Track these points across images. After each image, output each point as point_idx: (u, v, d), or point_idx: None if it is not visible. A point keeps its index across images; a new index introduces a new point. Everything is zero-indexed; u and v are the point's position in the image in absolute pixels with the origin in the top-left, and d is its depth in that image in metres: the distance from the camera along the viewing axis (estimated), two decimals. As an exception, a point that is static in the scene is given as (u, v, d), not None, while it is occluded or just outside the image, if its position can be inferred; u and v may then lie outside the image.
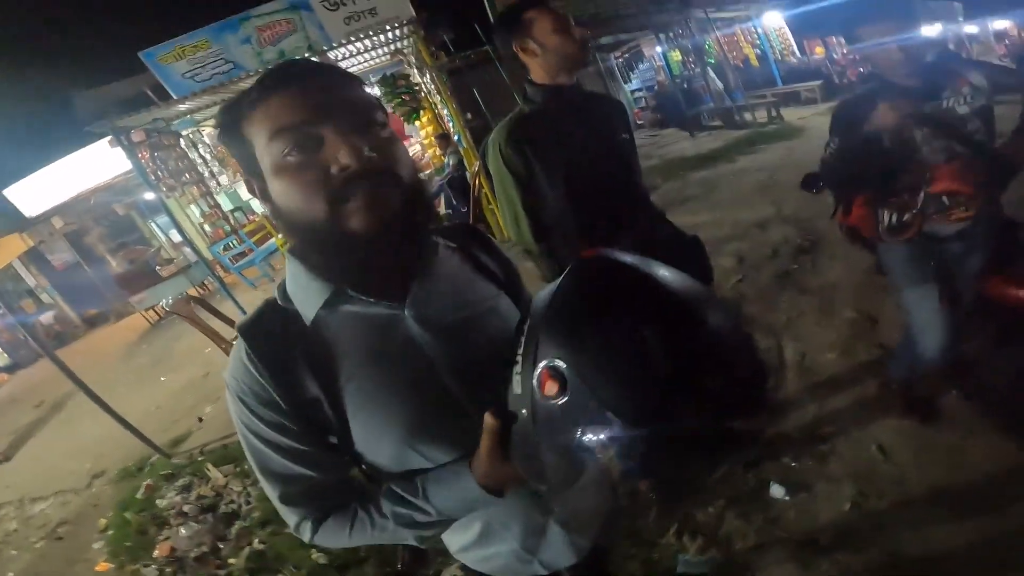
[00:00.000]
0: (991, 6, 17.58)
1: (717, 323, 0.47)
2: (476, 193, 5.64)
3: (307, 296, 0.64)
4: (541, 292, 0.56)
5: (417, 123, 8.24)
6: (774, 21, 14.10)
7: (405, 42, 7.39)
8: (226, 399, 0.66)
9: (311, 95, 0.56)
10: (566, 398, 0.45)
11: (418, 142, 8.68)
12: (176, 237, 10.16)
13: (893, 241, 1.71)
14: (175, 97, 6.47)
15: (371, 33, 6.32)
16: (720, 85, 11.25)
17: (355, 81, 0.61)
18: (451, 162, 6.51)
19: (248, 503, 2.79)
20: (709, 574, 1.66)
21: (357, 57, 7.52)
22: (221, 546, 2.56)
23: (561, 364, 0.46)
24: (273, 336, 0.63)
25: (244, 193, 9.53)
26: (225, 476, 3.05)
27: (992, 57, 16.51)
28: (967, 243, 1.65)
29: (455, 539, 0.81)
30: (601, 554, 0.97)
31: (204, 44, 6.59)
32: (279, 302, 0.66)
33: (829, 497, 1.81)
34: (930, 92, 1.54)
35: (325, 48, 6.34)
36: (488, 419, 0.57)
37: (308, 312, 0.63)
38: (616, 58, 14.23)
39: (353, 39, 6.46)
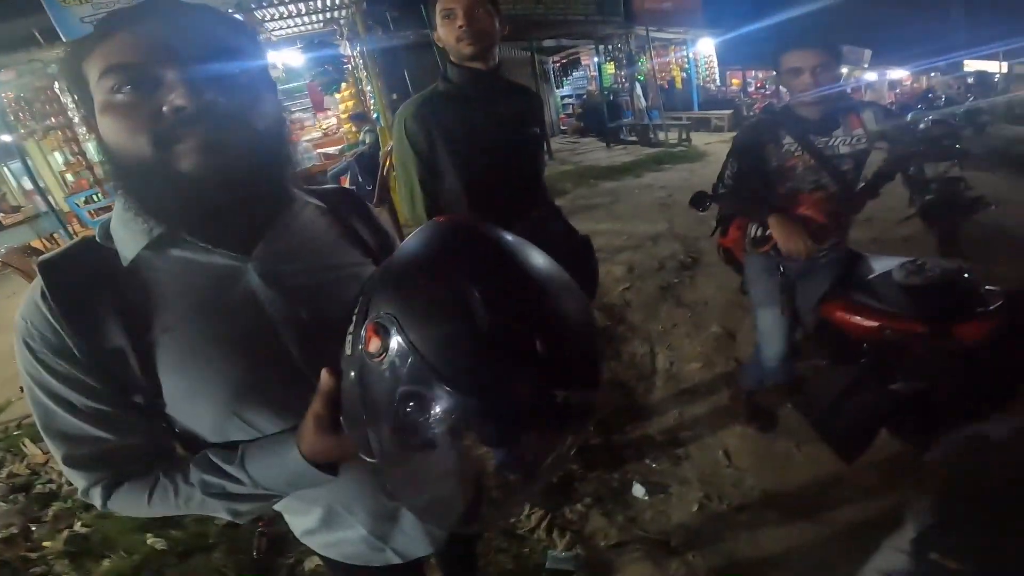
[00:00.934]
0: (896, 56, 20.02)
1: (556, 296, 0.47)
2: (384, 173, 5.44)
3: (129, 234, 0.57)
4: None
5: (337, 96, 7.81)
6: (706, 48, 14.97)
7: (343, 12, 6.99)
8: (15, 343, 0.57)
9: (157, 33, 0.51)
10: (387, 354, 0.44)
11: (335, 115, 8.23)
12: (28, 184, 8.83)
13: (753, 252, 1.86)
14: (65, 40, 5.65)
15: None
16: (643, 102, 11.78)
17: (223, 23, 0.57)
18: (367, 140, 6.29)
19: (71, 484, 2.43)
20: (575, 570, 1.71)
21: (288, 20, 7.03)
22: (34, 528, 2.27)
23: (386, 320, 0.44)
24: (79, 275, 0.57)
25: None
26: (45, 453, 2.70)
27: (883, 100, 18.88)
28: (811, 267, 1.80)
29: (297, 522, 0.77)
30: (467, 545, 0.95)
31: (110, -11, 5.84)
32: (97, 239, 0.60)
33: (681, 498, 1.93)
34: (824, 127, 1.67)
35: (253, 5, 5.82)
36: (324, 378, 0.54)
37: (127, 252, 0.57)
38: (554, 62, 14.40)
39: (281, 2, 6.02)
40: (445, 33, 1.42)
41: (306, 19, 7.15)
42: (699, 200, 1.95)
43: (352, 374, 0.49)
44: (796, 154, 1.68)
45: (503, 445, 0.46)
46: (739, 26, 14.04)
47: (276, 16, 6.66)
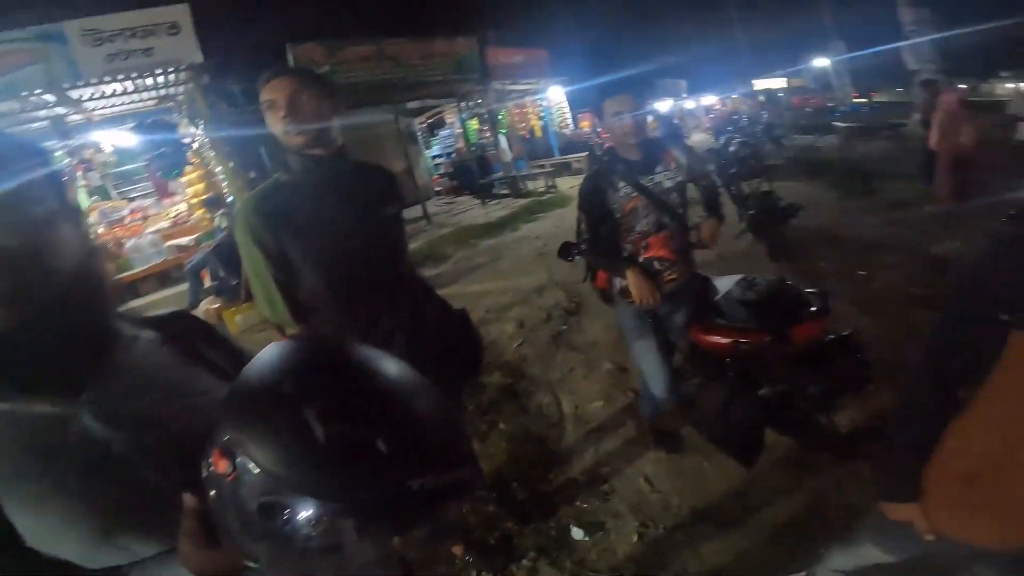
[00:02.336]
0: (706, 84, 23.42)
1: (396, 396, 0.52)
2: None
3: None
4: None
5: (184, 180, 7.14)
6: (557, 95, 15.88)
7: (179, 88, 6.60)
8: None
9: None
10: (236, 473, 0.47)
11: (184, 200, 7.45)
12: None
13: (623, 303, 1.94)
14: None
15: (136, 75, 5.53)
16: (510, 155, 12.25)
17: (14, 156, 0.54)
18: (222, 226, 5.65)
19: None
20: None
21: (111, 99, 6.45)
22: None
23: (230, 443, 0.48)
24: None
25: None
26: None
27: (702, 127, 21.82)
28: (674, 301, 1.95)
29: None
30: None
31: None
32: None
33: (619, 532, 1.96)
34: (647, 166, 1.83)
35: (66, 85, 5.35)
36: (188, 499, 0.55)
37: None
38: (420, 124, 14.65)
39: (109, 79, 5.58)
40: (272, 124, 1.35)
41: (136, 96, 6.64)
42: (566, 251, 2.05)
43: (213, 493, 0.50)
44: (632, 196, 1.84)
45: (373, 535, 0.47)
46: (583, 74, 15.41)
47: (95, 96, 6.11)
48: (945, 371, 0.94)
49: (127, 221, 7.22)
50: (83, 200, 6.86)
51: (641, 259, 1.87)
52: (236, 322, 5.06)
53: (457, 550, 1.83)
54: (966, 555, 1.01)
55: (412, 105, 12.27)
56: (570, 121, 16.88)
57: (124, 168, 7.73)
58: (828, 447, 1.95)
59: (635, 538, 1.91)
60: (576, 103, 16.62)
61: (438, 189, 13.54)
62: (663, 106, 18.74)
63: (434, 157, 15.01)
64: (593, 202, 1.88)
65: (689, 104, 23.12)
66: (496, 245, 6.94)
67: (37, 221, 0.54)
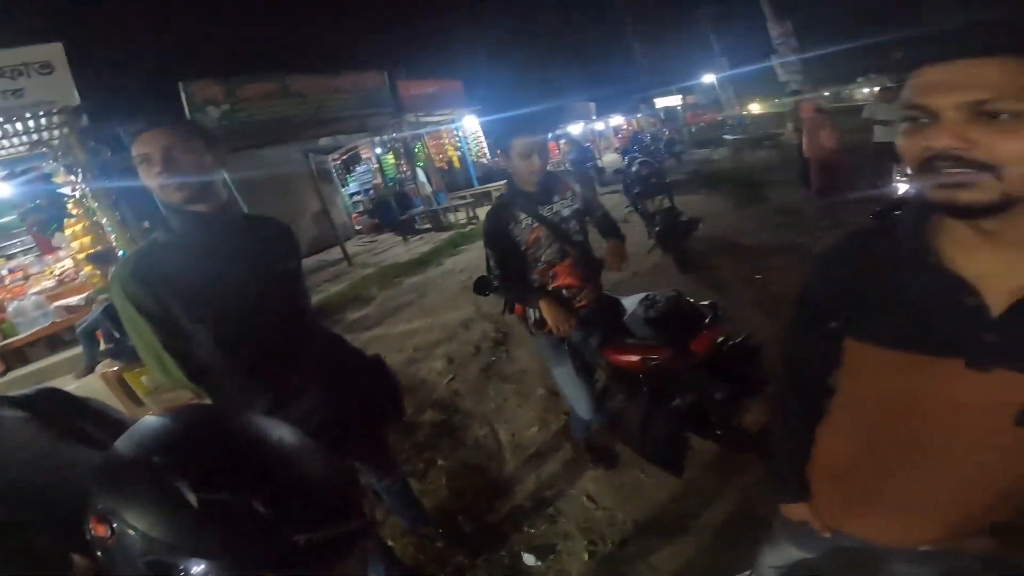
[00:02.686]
0: (611, 106, 24.71)
1: (272, 456, 0.54)
2: None
3: None
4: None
5: (68, 233, 6.45)
6: (472, 125, 15.77)
7: (53, 132, 5.92)
8: None
9: None
10: (116, 537, 0.49)
11: (69, 256, 6.71)
12: None
13: (540, 334, 1.99)
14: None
15: (4, 119, 4.95)
16: (429, 188, 12.12)
17: None
18: None
19: None
20: None
21: None
22: None
23: (104, 510, 0.50)
24: None
25: None
26: None
27: (612, 148, 22.94)
28: (587, 325, 2.02)
29: None
30: None
31: None
32: None
33: (571, 553, 1.97)
34: (546, 197, 1.89)
35: None
36: (76, 561, 0.60)
37: None
38: (334, 160, 14.06)
39: None
40: (147, 180, 1.26)
41: (4, 142, 5.90)
42: (481, 286, 2.07)
43: (99, 554, 0.52)
44: (534, 227, 1.89)
45: None
46: (497, 103, 15.56)
47: None
48: (799, 379, 0.99)
49: (7, 282, 6.52)
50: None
51: (550, 288, 1.93)
52: (143, 383, 4.59)
53: None
54: (874, 550, 1.05)
55: (324, 142, 11.72)
56: (487, 150, 16.69)
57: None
58: (745, 448, 2.06)
59: (586, 556, 1.93)
60: (491, 132, 16.94)
61: (358, 228, 13.00)
62: (575, 129, 19.30)
63: (352, 195, 14.39)
64: (497, 237, 1.92)
65: (599, 126, 24.28)
66: (421, 282, 6.87)
67: None
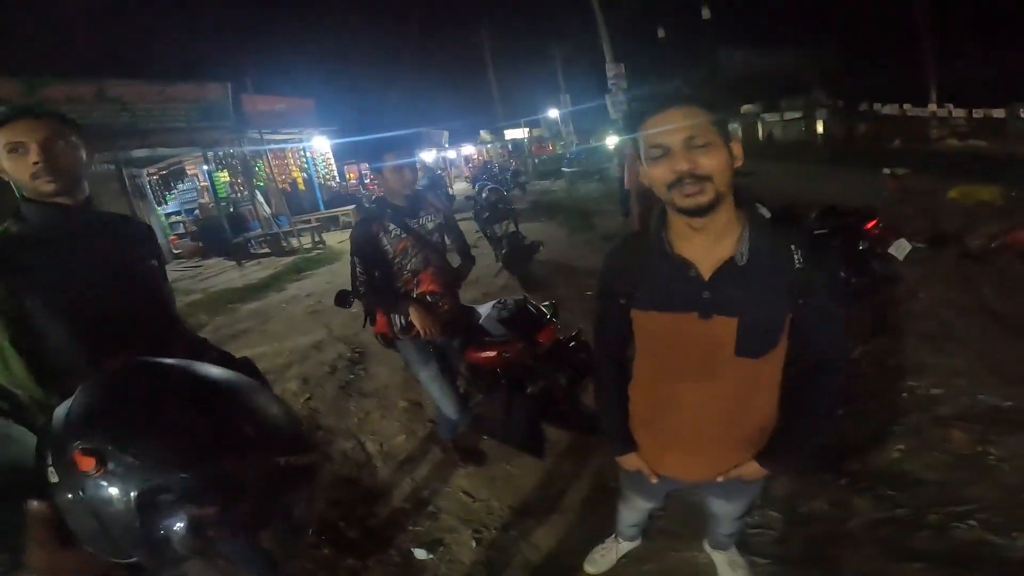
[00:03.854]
0: (465, 135, 25.53)
1: (249, 394, 0.61)
2: None
3: None
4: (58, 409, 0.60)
5: None
6: (322, 146, 15.10)
7: None
8: None
9: None
10: (107, 468, 0.52)
11: None
12: None
13: (405, 338, 2.14)
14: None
15: None
16: (268, 210, 11.26)
17: None
18: None
19: None
20: None
21: None
22: None
23: (96, 444, 0.52)
24: None
25: None
26: None
27: (462, 175, 23.52)
28: (449, 330, 2.22)
29: None
30: None
31: None
32: None
33: (459, 543, 2.10)
34: (413, 211, 2.07)
35: None
36: (34, 507, 0.58)
37: None
38: (150, 175, 12.17)
39: None
40: (14, 169, 1.24)
41: None
42: (342, 299, 2.19)
43: (71, 495, 0.54)
44: (402, 237, 2.05)
45: (250, 509, 0.56)
46: (350, 125, 15.23)
47: None
48: (606, 346, 1.24)
49: None
50: None
51: (415, 294, 2.10)
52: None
53: None
54: (694, 487, 1.30)
55: (139, 154, 10.31)
56: (335, 173, 16.31)
57: None
58: (589, 428, 2.40)
59: (474, 544, 2.08)
60: (342, 154, 16.28)
61: (177, 251, 11.33)
62: (428, 156, 19.43)
63: (169, 214, 12.51)
64: (367, 245, 2.06)
65: (451, 154, 24.86)
66: (261, 307, 6.41)
67: None
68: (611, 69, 12.56)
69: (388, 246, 2.07)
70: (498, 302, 2.36)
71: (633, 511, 1.61)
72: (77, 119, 1.39)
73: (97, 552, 0.57)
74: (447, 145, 24.43)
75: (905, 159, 9.12)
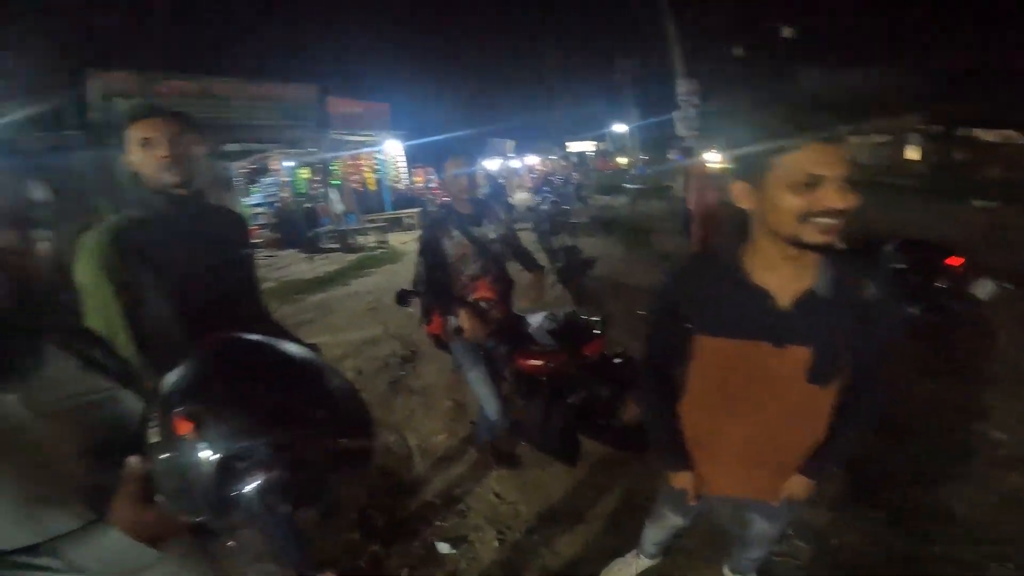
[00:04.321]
0: (530, 145, 25.65)
1: (326, 379, 0.67)
2: None
3: None
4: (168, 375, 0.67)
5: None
6: (393, 149, 15.58)
7: None
8: None
9: None
10: (202, 432, 0.58)
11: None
12: None
13: (457, 340, 2.24)
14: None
15: None
16: (340, 207, 11.86)
17: None
18: None
19: None
20: None
21: None
22: None
23: (195, 409, 0.59)
24: None
25: None
26: None
27: (524, 186, 23.65)
28: (499, 336, 2.31)
29: None
30: None
31: None
32: None
33: (482, 542, 2.17)
34: (476, 219, 2.16)
35: None
36: (133, 462, 0.64)
37: None
38: (240, 169, 13.17)
39: None
40: (143, 161, 1.38)
41: None
42: (403, 298, 2.34)
43: (166, 453, 0.61)
44: (463, 244, 2.13)
45: (311, 482, 0.62)
46: (421, 130, 15.44)
47: None
48: (659, 365, 1.23)
49: None
50: None
51: (470, 299, 2.19)
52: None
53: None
54: (737, 507, 1.33)
55: (231, 148, 11.17)
56: (405, 175, 16.77)
57: None
58: (625, 443, 2.43)
59: (496, 544, 2.14)
60: (412, 158, 16.69)
61: (256, 241, 12.33)
62: (492, 165, 19.60)
63: (252, 206, 13.23)
64: (431, 248, 2.17)
65: (515, 164, 25.07)
66: (325, 300, 6.74)
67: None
68: (682, 85, 12.19)
69: (449, 251, 2.16)
70: (549, 313, 2.43)
71: (662, 529, 1.62)
72: (180, 110, 1.54)
73: (173, 507, 0.64)
74: (512, 155, 24.65)
75: (1002, 191, 8.40)
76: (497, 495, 2.44)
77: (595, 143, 26.49)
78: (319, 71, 13.03)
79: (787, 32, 17.49)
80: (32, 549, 0.66)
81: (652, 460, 1.52)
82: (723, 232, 5.96)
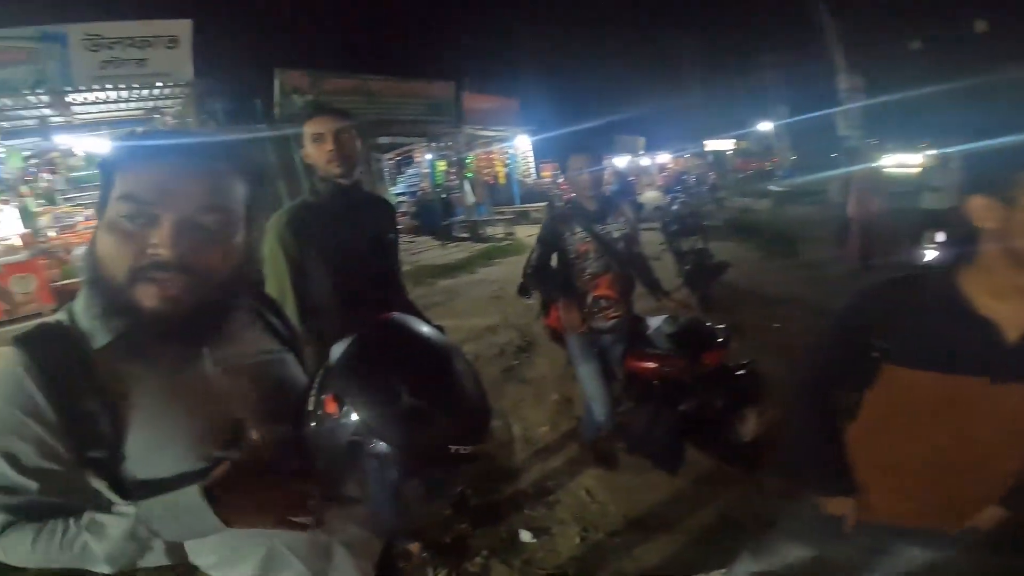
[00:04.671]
0: (662, 143, 24.56)
1: (463, 371, 0.70)
2: None
3: (99, 325, 0.67)
4: (336, 345, 0.72)
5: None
6: (523, 144, 16.08)
7: (171, 102, 6.74)
8: None
9: (171, 178, 0.64)
10: (341, 414, 0.62)
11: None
12: None
13: (573, 335, 2.27)
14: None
15: (131, 85, 5.76)
16: (472, 199, 12.47)
17: (224, 170, 0.69)
18: None
19: None
20: None
21: (101, 106, 6.61)
22: None
23: (341, 393, 0.63)
24: (56, 352, 0.66)
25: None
26: None
27: (654, 185, 22.50)
28: (615, 336, 2.30)
29: (233, 572, 0.80)
30: None
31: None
32: (64, 322, 0.69)
33: (564, 535, 2.19)
34: (602, 216, 2.16)
35: (67, 88, 5.56)
36: (283, 431, 0.70)
37: (99, 338, 0.67)
38: (388, 160, 14.58)
39: (98, 86, 5.74)
40: (315, 152, 1.59)
41: (122, 106, 6.70)
42: (524, 289, 2.41)
43: (313, 425, 0.67)
44: (586, 240, 2.15)
45: (413, 478, 0.65)
46: (550, 125, 15.61)
47: (86, 100, 6.22)
48: (822, 387, 1.13)
49: (80, 227, 7.18)
50: (31, 205, 6.79)
51: (590, 297, 2.18)
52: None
53: (414, 547, 2.08)
54: (889, 536, 1.18)
55: (382, 141, 12.47)
56: (533, 170, 17.12)
57: (84, 174, 7.55)
58: (735, 459, 2.32)
59: (577, 541, 2.15)
60: (540, 153, 16.96)
61: (398, 227, 13.44)
62: (621, 162, 19.00)
63: (397, 194, 14.73)
64: (550, 239, 2.21)
65: (645, 161, 24.23)
66: (453, 285, 7.15)
67: (216, 231, 0.69)
68: (844, 80, 10.92)
69: (570, 245, 2.18)
70: (670, 316, 2.36)
71: (775, 558, 1.49)
72: (345, 108, 1.76)
73: (300, 476, 0.70)
74: (642, 152, 23.82)
75: None
76: (588, 493, 2.44)
77: (734, 142, 24.44)
78: (457, 68, 13.67)
79: (981, 27, 14.34)
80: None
81: (787, 482, 1.36)
82: (885, 244, 5.34)
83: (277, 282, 1.64)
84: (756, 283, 5.75)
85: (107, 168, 0.67)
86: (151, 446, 0.69)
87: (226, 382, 0.76)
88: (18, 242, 6.12)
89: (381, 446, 0.61)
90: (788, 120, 19.92)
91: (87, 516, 0.67)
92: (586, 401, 2.43)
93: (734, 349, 2.26)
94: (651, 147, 24.14)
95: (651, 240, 8.30)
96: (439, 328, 1.93)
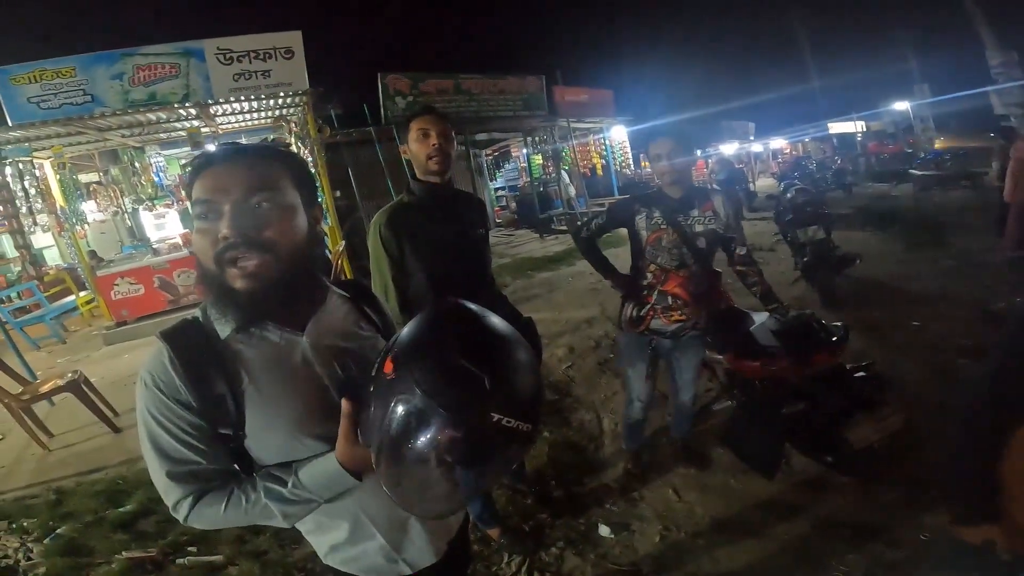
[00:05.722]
0: (776, 127, 22.61)
1: (503, 349, 0.70)
2: (336, 270, 5.56)
3: (223, 319, 0.80)
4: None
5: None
6: (619, 135, 15.89)
7: (292, 110, 7.37)
8: (137, 388, 0.79)
9: (222, 177, 0.74)
10: (394, 373, 0.66)
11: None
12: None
13: (631, 331, 2.12)
14: (10, 122, 5.79)
15: (260, 96, 6.31)
16: (571, 191, 12.42)
17: (265, 164, 0.78)
18: None
19: (29, 559, 2.50)
20: None
21: (237, 116, 7.38)
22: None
23: (399, 354, 0.67)
24: (193, 345, 0.78)
25: (40, 240, 8.33)
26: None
27: (768, 172, 21.07)
28: (679, 340, 2.09)
29: (325, 540, 0.91)
30: (459, 565, 1.10)
31: (68, 71, 6.02)
32: (200, 319, 0.82)
33: (643, 533, 2.16)
34: (684, 207, 1.96)
35: (209, 101, 6.21)
36: (344, 404, 0.76)
37: (222, 331, 0.80)
38: (487, 155, 15.09)
39: (235, 98, 6.35)
40: (417, 149, 1.68)
41: (254, 115, 7.41)
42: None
43: (372, 388, 0.70)
44: (661, 227, 1.96)
45: (456, 444, 0.63)
46: (647, 115, 15.46)
47: (225, 112, 6.94)
48: (1005, 407, 1.01)
49: None
50: (189, 208, 7.78)
51: (657, 292, 2.01)
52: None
53: (494, 533, 2.12)
54: None
55: (480, 137, 12.88)
56: (631, 161, 16.86)
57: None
58: (842, 466, 2.10)
59: (657, 539, 2.10)
60: (639, 143, 16.57)
61: (499, 221, 13.73)
62: (728, 149, 17.93)
63: (497, 189, 15.36)
64: (622, 212, 2.07)
65: (756, 147, 22.45)
66: (551, 278, 7.18)
67: (282, 213, 0.77)
68: (994, 56, 9.73)
69: (641, 230, 2.01)
70: (776, 312, 2.14)
71: None
72: (442, 108, 1.84)
73: (366, 439, 0.72)
74: (752, 138, 22.05)
75: None
76: (675, 492, 2.36)
77: (863, 123, 21.64)
78: (547, 63, 13.72)
79: None
80: (285, 466, 0.81)
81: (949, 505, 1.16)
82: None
83: (380, 276, 1.77)
84: (894, 277, 5.08)
85: (188, 184, 0.79)
86: (264, 425, 0.79)
87: (323, 367, 0.83)
88: (180, 241, 7.08)
89: (423, 401, 0.63)
90: (930, 99, 17.67)
91: (261, 484, 0.79)
92: (674, 400, 2.32)
93: (855, 349, 1.99)
94: (764, 131, 22.34)
95: (764, 231, 7.82)
96: (529, 320, 2.00)
